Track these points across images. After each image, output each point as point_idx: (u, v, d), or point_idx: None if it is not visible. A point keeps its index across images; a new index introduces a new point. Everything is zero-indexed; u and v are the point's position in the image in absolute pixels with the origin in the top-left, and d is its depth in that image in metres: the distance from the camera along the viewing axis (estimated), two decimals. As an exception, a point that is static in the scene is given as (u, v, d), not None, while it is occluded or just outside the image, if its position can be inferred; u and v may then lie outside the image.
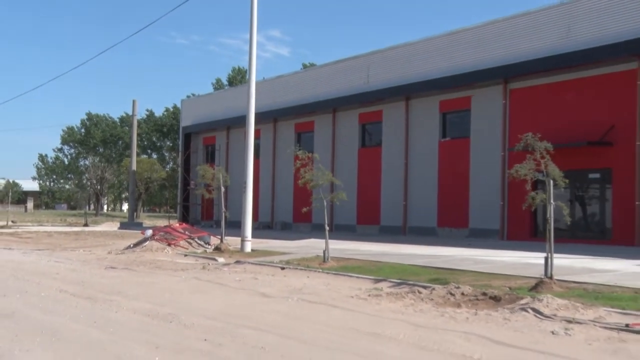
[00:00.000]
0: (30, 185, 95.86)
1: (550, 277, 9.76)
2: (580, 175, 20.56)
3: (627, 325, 7.10)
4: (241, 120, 23.64)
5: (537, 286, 9.47)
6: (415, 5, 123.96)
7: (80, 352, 5.98)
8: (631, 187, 19.93)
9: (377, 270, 12.40)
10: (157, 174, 64.07)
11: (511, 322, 7.41)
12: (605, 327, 7.02)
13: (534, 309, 7.88)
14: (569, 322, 7.29)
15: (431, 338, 6.53)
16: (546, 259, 9.98)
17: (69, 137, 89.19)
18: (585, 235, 20.78)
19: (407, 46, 27.74)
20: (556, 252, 10.23)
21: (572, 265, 12.78)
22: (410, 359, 5.67)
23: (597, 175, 21.31)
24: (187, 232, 21.13)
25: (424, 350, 6.01)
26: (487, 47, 23.95)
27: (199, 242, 20.12)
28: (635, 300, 7.97)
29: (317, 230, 27.03)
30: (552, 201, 10.10)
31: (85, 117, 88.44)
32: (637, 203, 19.26)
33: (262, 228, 32.92)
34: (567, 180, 10.36)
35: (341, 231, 28.37)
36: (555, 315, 7.66)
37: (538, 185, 10.74)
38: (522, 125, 21.84)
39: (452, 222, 25.32)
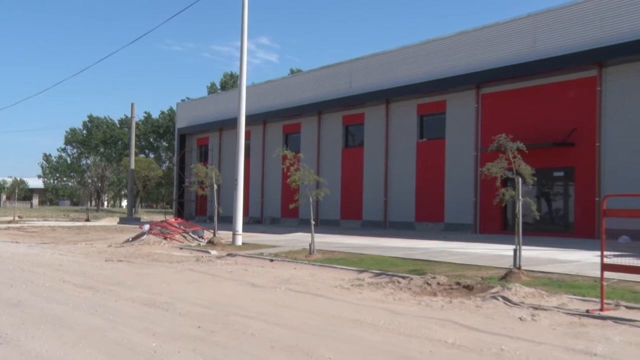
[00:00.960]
0: (35, 182, 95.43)
1: (519, 268, 9.86)
2: (545, 174, 20.73)
3: (587, 311, 7.20)
4: (233, 122, 23.50)
5: (507, 276, 9.57)
6: (395, 16, 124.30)
7: (82, 338, 5.96)
8: (592, 185, 20.16)
9: (359, 262, 12.42)
10: (154, 173, 63.81)
11: (483, 309, 7.47)
12: (568, 313, 7.11)
13: (503, 297, 7.94)
14: (535, 308, 7.37)
15: (409, 324, 6.56)
16: (515, 250, 10.07)
17: (71, 137, 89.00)
18: (550, 228, 20.97)
19: (387, 54, 27.78)
20: (524, 244, 10.33)
21: (539, 256, 12.90)
22: (390, 344, 5.68)
23: (561, 174, 21.48)
24: (182, 227, 21.02)
25: (403, 335, 6.03)
26: (460, 55, 24.05)
27: (193, 236, 20.04)
28: (595, 288, 8.05)
29: (303, 225, 27.02)
30: (520, 197, 10.19)
31: (87, 119, 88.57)
32: (597, 199, 19.44)
33: (252, 223, 32.84)
34: (535, 178, 10.45)
35: (326, 225, 28.37)
36: (522, 302, 7.73)
37: (508, 182, 10.83)
38: (493, 127, 21.99)
39: (429, 216, 25.42)
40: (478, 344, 5.66)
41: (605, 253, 7.69)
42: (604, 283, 7.55)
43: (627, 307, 7.35)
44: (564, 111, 20.99)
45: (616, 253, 12.76)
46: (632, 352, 5.40)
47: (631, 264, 8.48)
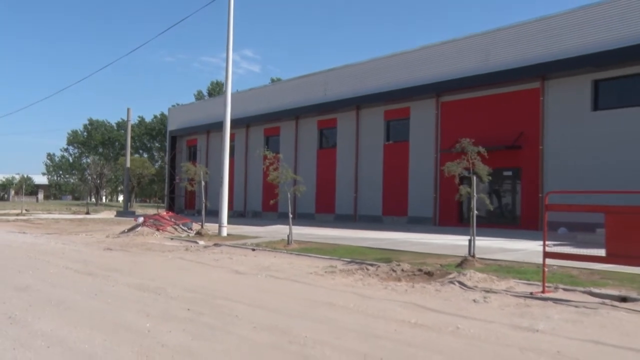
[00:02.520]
0: (40, 179, 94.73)
1: (473, 256, 9.96)
2: (496, 173, 20.83)
3: (531, 293, 7.34)
4: (219, 126, 23.32)
5: (462, 263, 9.65)
6: (366, 32, 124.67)
7: (83, 319, 5.91)
8: (536, 183, 20.51)
9: (332, 251, 12.41)
10: (148, 171, 63.45)
11: (441, 292, 7.53)
12: (515, 295, 7.22)
13: (459, 282, 8.02)
14: (487, 292, 7.47)
15: (376, 307, 6.59)
16: (470, 241, 10.19)
17: (73, 139, 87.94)
18: (500, 221, 21.22)
19: (358, 65, 27.82)
20: (477, 235, 10.42)
21: (490, 246, 13.03)
22: (360, 324, 5.70)
23: (510, 173, 21.71)
24: (173, 220, 20.77)
25: (371, 317, 6.06)
26: (422, 67, 24.21)
27: (183, 227, 19.81)
28: (538, 273, 8.17)
29: (282, 218, 26.96)
30: (475, 194, 10.32)
31: (87, 122, 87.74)
32: (540, 195, 19.76)
33: (236, 216, 32.61)
34: (490, 177, 10.56)
35: (302, 219, 28.33)
36: (476, 286, 7.81)
37: (464, 180, 10.93)
38: (451, 131, 22.25)
39: (395, 211, 25.56)
40: (437, 324, 5.72)
41: (546, 243, 7.84)
42: (546, 269, 7.70)
43: (565, 290, 7.50)
44: (512, 118, 21.27)
45: (556, 243, 13.04)
46: (568, 328, 5.53)
47: (568, 252, 8.69)
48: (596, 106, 19.44)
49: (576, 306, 6.55)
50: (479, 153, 10.26)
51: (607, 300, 6.88)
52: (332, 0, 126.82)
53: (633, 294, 7.07)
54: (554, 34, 20.02)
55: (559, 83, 20.16)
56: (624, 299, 6.89)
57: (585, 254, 8.27)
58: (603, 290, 7.32)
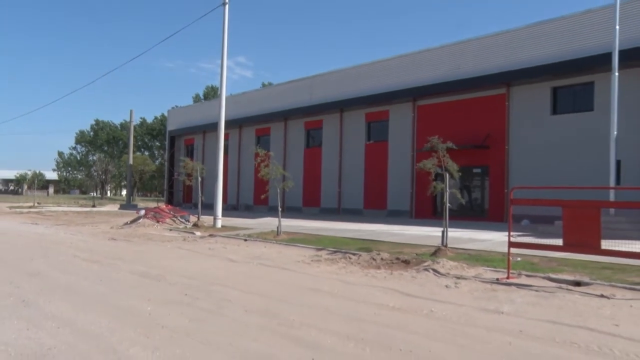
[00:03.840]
0: (51, 175, 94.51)
1: (445, 246, 10.04)
2: (467, 170, 21.10)
3: (497, 279, 7.43)
4: (214, 126, 23.13)
5: (436, 252, 9.70)
6: (348, 42, 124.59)
7: (90, 302, 5.89)
8: (502, 179, 20.74)
9: (317, 242, 12.43)
10: (149, 167, 63.34)
11: (417, 279, 7.57)
12: (483, 281, 7.31)
13: (433, 269, 8.05)
14: (458, 278, 7.54)
15: (358, 292, 6.62)
16: (443, 232, 10.26)
17: (81, 138, 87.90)
18: (470, 214, 21.43)
19: (341, 71, 27.82)
20: (450, 227, 10.49)
21: (461, 236, 13.13)
22: (342, 307, 5.73)
23: (479, 170, 21.91)
24: (171, 212, 20.64)
25: (353, 301, 6.09)
26: (400, 74, 24.29)
27: (181, 219, 19.70)
28: (503, 261, 8.25)
29: (272, 211, 26.88)
30: (447, 189, 10.40)
31: (93, 122, 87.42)
32: (505, 191, 20.00)
33: (230, 209, 32.41)
34: (460, 174, 10.64)
35: (291, 212, 28.29)
36: (448, 273, 7.88)
37: (437, 177, 11.00)
38: (426, 133, 22.18)
39: (375, 204, 25.65)
40: (413, 307, 5.77)
41: (511, 233, 7.93)
42: (510, 257, 7.81)
43: (527, 276, 7.61)
44: (481, 120, 21.45)
45: (520, 233, 13.22)
46: (529, 310, 5.62)
47: (530, 242, 8.81)
48: (555, 110, 19.70)
49: (536, 290, 6.66)
50: (448, 149, 10.33)
51: (563, 285, 7.00)
52: (320, 12, 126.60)
53: (585, 279, 7.20)
54: (517, 46, 20.23)
55: (522, 89, 20.38)
56: (577, 284, 7.02)
57: (545, 243, 8.40)
58: (560, 276, 7.44)
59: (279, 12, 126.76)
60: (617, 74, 14.58)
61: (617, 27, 14.47)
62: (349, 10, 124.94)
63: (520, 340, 4.47)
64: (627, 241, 7.90)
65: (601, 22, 17.42)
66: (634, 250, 6.78)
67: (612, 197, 13.65)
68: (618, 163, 15.57)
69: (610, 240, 7.03)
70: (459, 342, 4.41)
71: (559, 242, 7.30)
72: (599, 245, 6.74)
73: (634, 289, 6.62)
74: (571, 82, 19.12)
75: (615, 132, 14.63)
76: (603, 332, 4.74)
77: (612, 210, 14.26)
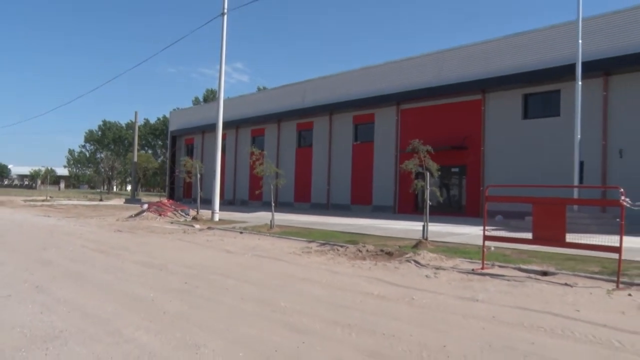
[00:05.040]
0: (62, 171, 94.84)
1: (426, 239, 10.11)
2: (446, 170, 21.13)
3: (473, 270, 7.51)
4: (212, 127, 23.03)
5: (417, 245, 9.74)
6: (336, 48, 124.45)
7: (97, 289, 5.90)
8: (478, 178, 20.88)
9: (308, 234, 12.44)
10: (152, 165, 63.46)
11: (400, 269, 7.62)
12: (460, 272, 7.38)
13: (414, 261, 8.10)
14: (437, 269, 7.61)
15: (345, 281, 6.65)
16: (424, 226, 10.33)
17: (89, 137, 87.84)
18: (448, 210, 21.52)
19: (331, 77, 27.78)
20: (430, 221, 10.56)
21: (440, 230, 13.18)
22: (331, 295, 5.76)
23: (457, 170, 21.97)
24: (173, 206, 20.53)
25: (340, 290, 6.12)
26: (386, 79, 24.32)
27: (181, 213, 19.59)
28: (478, 253, 8.33)
29: (266, 206, 26.79)
30: (428, 187, 10.48)
31: (101, 123, 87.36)
32: (481, 188, 20.13)
33: (227, 204, 32.28)
34: (440, 173, 10.70)
35: (283, 207, 28.27)
36: (428, 264, 7.93)
37: (419, 175, 11.05)
38: (409, 134, 22.39)
39: (361, 200, 25.69)
40: (396, 295, 5.81)
41: (486, 228, 8.02)
42: (485, 249, 7.91)
43: (500, 266, 7.70)
44: (460, 123, 21.56)
45: (494, 228, 13.33)
46: (502, 298, 5.70)
47: (503, 236, 8.91)
48: (526, 115, 19.88)
49: (508, 280, 6.75)
50: (427, 151, 10.42)
51: (532, 275, 7.11)
52: (312, 22, 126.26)
53: (552, 269, 7.32)
54: (493, 56, 20.37)
55: (497, 96, 20.53)
56: (545, 273, 7.13)
57: (516, 237, 8.51)
58: (529, 267, 7.55)
59: (274, 21, 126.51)
60: (580, 83, 14.80)
61: (580, 41, 14.71)
62: (339, 21, 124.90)
63: (493, 325, 4.54)
64: (588, 235, 8.05)
65: (566, 37, 17.61)
66: (594, 243, 6.90)
67: (575, 195, 13.85)
68: (581, 164, 15.81)
69: (574, 234, 7.15)
70: (438, 327, 4.47)
71: (528, 235, 7.40)
72: (564, 238, 6.86)
73: (594, 277, 6.75)
74: (540, 89, 19.32)
75: (579, 136, 14.84)
76: (566, 317, 4.84)
77: (575, 207, 14.49)
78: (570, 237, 6.96)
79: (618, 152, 17.15)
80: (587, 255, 8.09)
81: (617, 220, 6.83)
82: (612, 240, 6.80)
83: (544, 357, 3.69)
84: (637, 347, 3.96)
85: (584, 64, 15.04)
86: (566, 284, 6.44)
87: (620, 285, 6.23)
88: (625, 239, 6.67)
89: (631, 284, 6.31)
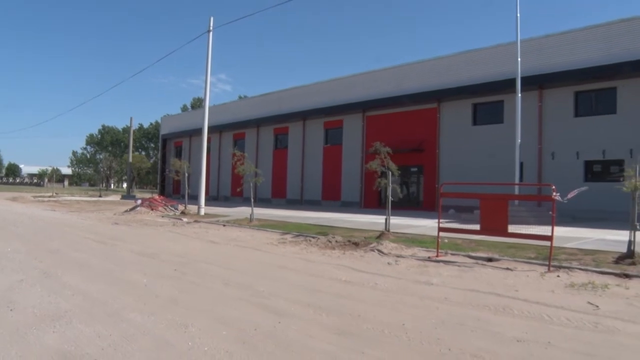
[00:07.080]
0: (66, 170, 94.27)
1: (388, 230, 10.24)
2: (405, 169, 21.47)
3: (429, 257, 7.66)
4: (199, 131, 22.54)
5: (380, 236, 9.83)
6: (310, 60, 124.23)
7: (98, 275, 5.86)
8: (434, 176, 21.27)
9: (284, 227, 12.41)
10: (145, 165, 63.23)
11: (365, 257, 7.69)
12: (417, 259, 7.51)
13: (378, 250, 8.17)
14: (398, 257, 7.73)
15: (317, 269, 6.69)
16: (386, 219, 10.46)
17: (90, 140, 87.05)
18: (408, 204, 21.76)
19: (303, 87, 27.71)
20: (392, 215, 10.68)
21: (400, 223, 13.30)
22: (304, 281, 5.78)
23: (415, 169, 22.24)
24: (163, 202, 20.21)
25: (313, 276, 6.15)
26: (353, 89, 24.45)
27: (171, 208, 19.25)
28: (433, 243, 8.49)
29: (246, 201, 26.51)
30: (390, 184, 10.64)
31: (101, 127, 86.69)
32: (437, 186, 20.51)
33: (211, 200, 31.74)
34: (399, 172, 10.88)
35: (262, 202, 28.05)
36: (390, 253, 8.01)
37: (382, 174, 11.20)
38: (374, 138, 22.44)
39: (331, 196, 25.76)
40: (361, 280, 5.88)
41: (440, 220, 8.21)
42: (439, 240, 8.09)
43: (452, 254, 7.86)
44: (418, 129, 21.89)
45: (447, 220, 13.64)
46: (453, 281, 5.85)
47: (455, 227, 9.13)
48: (475, 122, 20.42)
49: (459, 266, 6.92)
50: (388, 153, 10.61)
51: (479, 261, 7.32)
52: (288, 37, 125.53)
53: (496, 256, 7.55)
54: (447, 69, 20.80)
55: (450, 105, 20.97)
56: (490, 259, 7.35)
57: (466, 228, 8.73)
58: (477, 254, 7.76)
59: (254, 37, 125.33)
60: (520, 95, 15.35)
61: (519, 59, 15.26)
62: (313, 35, 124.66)
63: (446, 305, 4.66)
64: (526, 226, 8.35)
65: (509, 55, 18.19)
66: (531, 232, 7.16)
67: (516, 191, 14.34)
68: (521, 164, 16.40)
69: (514, 225, 7.40)
70: (398, 308, 4.56)
71: (477, 227, 7.60)
72: (506, 229, 7.10)
73: (530, 262, 7.02)
74: (487, 100, 19.89)
75: (519, 140, 15.37)
76: (507, 297, 5.02)
77: (516, 202, 14.99)
78: (511, 228, 7.21)
79: (551, 154, 17.88)
80: (525, 243, 8.35)
81: (550, 213, 7.12)
82: (545, 230, 7.09)
83: (488, 331, 3.83)
84: (562, 319, 4.16)
85: (522, 78, 15.62)
86: (507, 269, 6.66)
87: (551, 269, 6.50)
88: (556, 229, 6.95)
89: (560, 267, 6.60)
